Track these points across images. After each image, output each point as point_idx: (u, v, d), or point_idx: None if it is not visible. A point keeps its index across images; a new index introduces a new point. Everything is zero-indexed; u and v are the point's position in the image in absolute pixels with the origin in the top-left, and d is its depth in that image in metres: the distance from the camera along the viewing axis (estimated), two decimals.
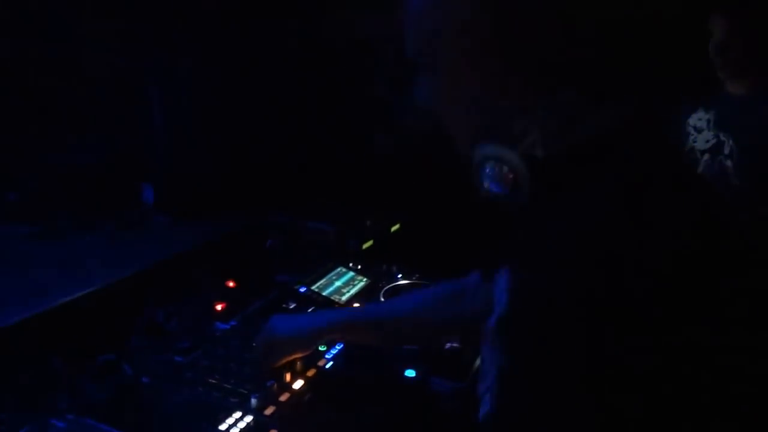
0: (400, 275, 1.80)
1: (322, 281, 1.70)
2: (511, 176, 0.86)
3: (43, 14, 2.02)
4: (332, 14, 2.69)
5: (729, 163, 2.32)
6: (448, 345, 1.43)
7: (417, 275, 1.80)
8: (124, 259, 1.74)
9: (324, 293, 1.64)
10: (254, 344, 1.31)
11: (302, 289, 1.63)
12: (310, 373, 1.29)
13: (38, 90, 2.12)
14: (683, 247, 0.74)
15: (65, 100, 2.13)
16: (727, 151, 2.33)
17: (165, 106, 2.13)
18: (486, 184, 0.89)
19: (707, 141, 2.41)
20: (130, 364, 1.30)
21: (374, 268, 1.84)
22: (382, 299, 1.61)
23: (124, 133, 2.16)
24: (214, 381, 1.24)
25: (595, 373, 0.72)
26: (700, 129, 2.44)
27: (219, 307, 1.60)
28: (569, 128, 0.85)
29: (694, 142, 2.44)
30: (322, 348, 1.39)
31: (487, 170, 0.88)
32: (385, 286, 1.70)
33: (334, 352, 1.39)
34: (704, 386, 0.76)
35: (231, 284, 1.73)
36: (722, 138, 2.36)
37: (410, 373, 1.32)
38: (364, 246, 2.01)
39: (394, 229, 2.21)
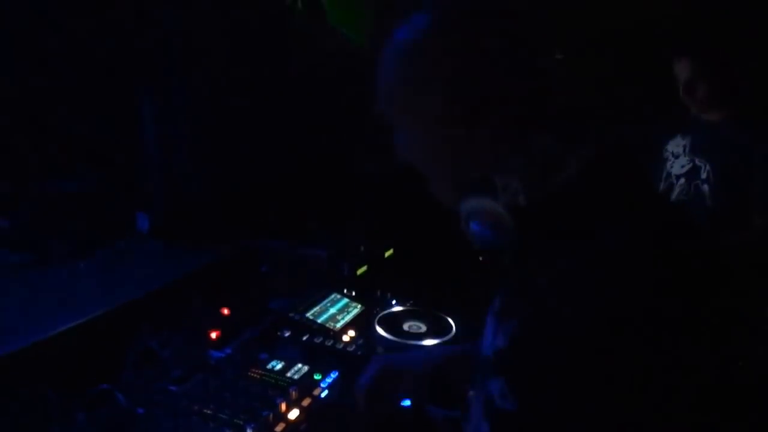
0: (394, 301, 1.80)
1: (316, 308, 1.70)
2: (498, 228, 0.88)
3: (39, 43, 2.04)
4: (322, 42, 2.73)
5: (705, 187, 2.41)
6: None
7: (411, 302, 1.81)
8: (118, 288, 1.74)
9: (319, 320, 1.64)
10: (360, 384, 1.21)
11: (297, 317, 1.63)
12: (306, 402, 1.29)
13: (32, 118, 2.13)
14: (666, 281, 0.77)
15: (59, 128, 2.14)
16: (703, 175, 2.42)
17: (160, 134, 2.14)
18: (474, 237, 0.92)
19: (683, 166, 2.50)
20: (124, 393, 1.29)
21: (368, 294, 1.84)
22: (377, 327, 1.61)
23: (119, 161, 2.17)
24: (208, 411, 1.24)
25: (601, 405, 0.74)
26: (677, 154, 2.52)
27: (213, 335, 1.59)
28: (547, 175, 0.87)
29: (671, 167, 2.53)
30: (317, 376, 1.39)
31: (474, 224, 0.91)
32: (379, 313, 1.70)
33: (329, 381, 1.38)
34: (697, 407, 0.78)
35: (225, 312, 1.73)
36: (698, 163, 2.45)
37: (405, 401, 1.32)
38: (359, 272, 2.01)
39: (388, 254, 2.22)
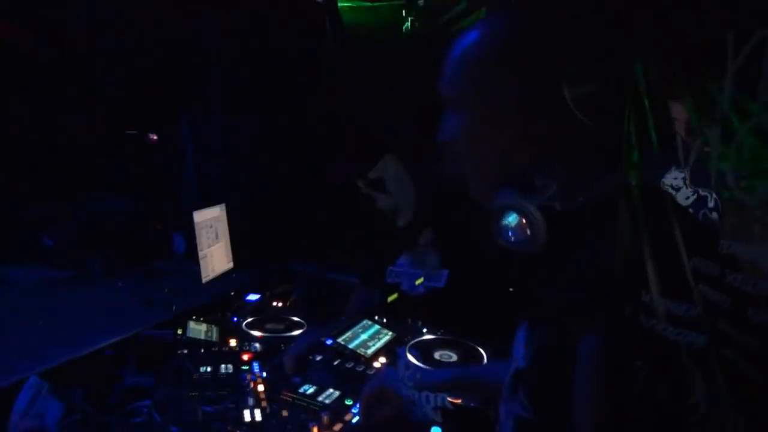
0: (425, 330, 1.81)
1: (348, 334, 1.71)
2: (528, 227, 0.88)
3: (86, 73, 2.12)
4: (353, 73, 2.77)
5: (715, 215, 2.41)
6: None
7: (442, 330, 1.81)
8: (154, 307, 1.77)
9: (350, 346, 1.65)
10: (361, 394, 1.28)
11: (329, 342, 1.64)
12: (337, 427, 1.30)
13: (75, 144, 2.20)
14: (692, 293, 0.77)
15: (101, 154, 2.21)
16: (711, 204, 2.44)
17: (197, 160, 2.20)
18: (503, 232, 0.92)
19: (687, 198, 2.51)
20: (159, 411, 1.32)
21: (399, 322, 1.85)
22: (409, 355, 1.61)
23: (158, 185, 2.23)
24: None
25: (618, 419, 0.74)
26: (677, 187, 2.53)
27: (246, 357, 1.61)
28: (585, 186, 0.88)
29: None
30: (348, 402, 1.40)
31: (506, 219, 0.91)
32: (410, 341, 1.70)
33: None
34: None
35: (258, 334, 1.75)
36: (702, 193, 2.47)
37: (436, 430, 1.32)
38: (389, 299, 2.02)
39: (418, 282, 2.22)
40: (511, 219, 0.90)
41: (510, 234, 0.91)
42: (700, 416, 0.72)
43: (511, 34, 0.94)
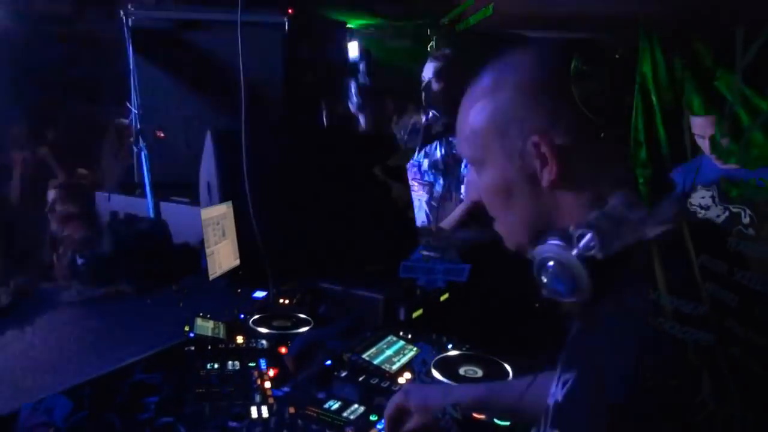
0: (450, 345, 1.80)
1: (372, 350, 1.71)
2: (570, 277, 0.87)
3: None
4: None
5: (751, 231, 2.34)
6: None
7: (467, 346, 1.80)
8: (182, 323, 1.80)
9: (375, 362, 1.65)
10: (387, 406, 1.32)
11: (353, 358, 1.65)
12: None
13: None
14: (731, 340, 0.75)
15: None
16: (746, 220, 2.36)
17: (224, 178, 2.24)
18: (546, 284, 0.91)
19: (718, 216, 2.44)
20: (186, 426, 1.33)
21: (424, 337, 1.85)
22: (433, 370, 1.61)
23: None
24: None
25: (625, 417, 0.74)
26: (706, 206, 2.47)
27: (272, 373, 1.63)
28: (622, 231, 0.87)
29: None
30: (373, 417, 1.40)
31: (547, 271, 0.90)
32: (435, 357, 1.70)
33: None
34: None
35: (283, 350, 1.76)
36: (734, 210, 2.39)
37: None
38: (414, 315, 2.02)
39: (443, 298, 2.22)
40: (551, 270, 0.89)
41: (552, 286, 0.90)
42: (707, 414, 0.72)
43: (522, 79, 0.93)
